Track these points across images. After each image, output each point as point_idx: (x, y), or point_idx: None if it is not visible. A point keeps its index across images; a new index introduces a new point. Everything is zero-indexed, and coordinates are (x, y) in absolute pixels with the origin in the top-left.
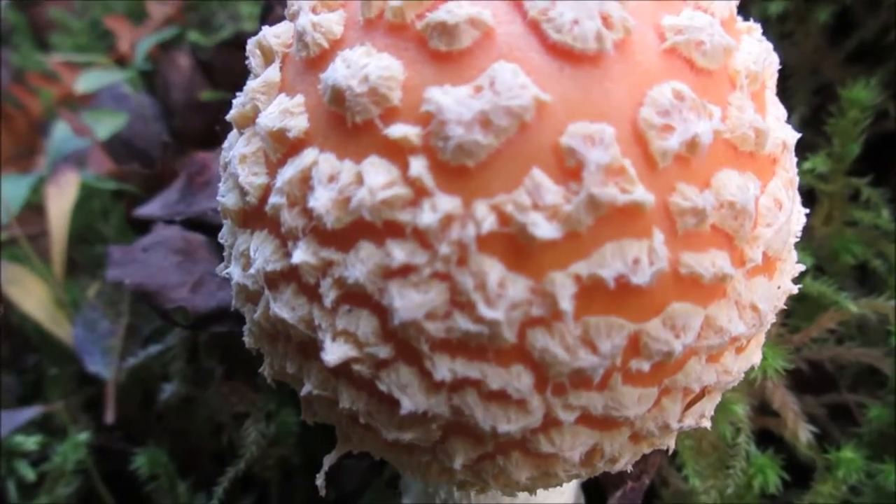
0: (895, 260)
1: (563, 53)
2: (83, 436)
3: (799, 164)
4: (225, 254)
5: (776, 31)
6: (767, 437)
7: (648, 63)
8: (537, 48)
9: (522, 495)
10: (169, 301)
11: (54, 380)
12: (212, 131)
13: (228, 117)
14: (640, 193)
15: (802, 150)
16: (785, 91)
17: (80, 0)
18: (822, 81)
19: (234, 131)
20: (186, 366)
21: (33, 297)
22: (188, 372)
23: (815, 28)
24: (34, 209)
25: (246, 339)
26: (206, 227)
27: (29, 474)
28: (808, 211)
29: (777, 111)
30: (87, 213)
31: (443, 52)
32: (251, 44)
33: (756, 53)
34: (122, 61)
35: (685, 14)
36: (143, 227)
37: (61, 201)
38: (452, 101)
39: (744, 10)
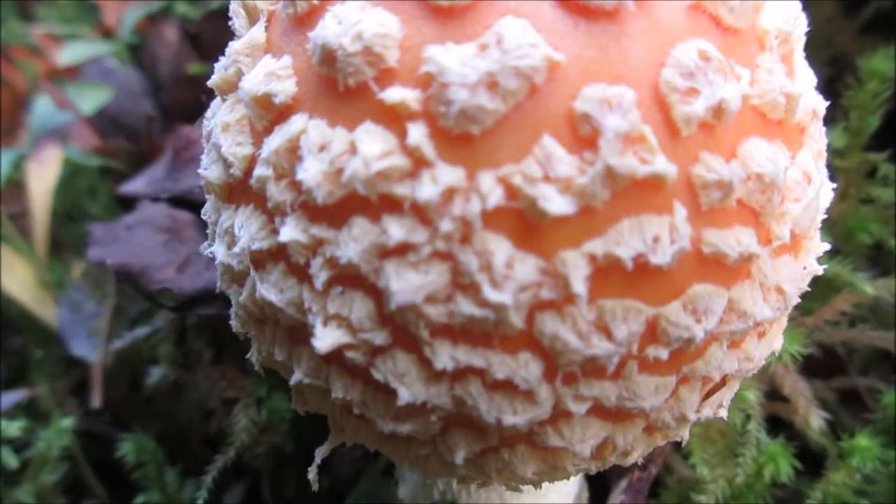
0: None
1: (578, 8)
2: (67, 421)
3: None
4: (209, 231)
5: None
6: (776, 423)
7: (671, 20)
8: (549, 2)
9: (526, 488)
10: (154, 282)
11: (39, 363)
12: (200, 105)
13: (210, 83)
14: (662, 164)
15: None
16: None
17: None
18: (836, 52)
19: (217, 99)
20: (175, 349)
21: (16, 278)
22: (176, 355)
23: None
24: (15, 187)
25: (232, 322)
26: (193, 204)
27: (12, 461)
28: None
29: (806, 76)
30: (73, 191)
31: (444, 6)
32: (235, 3)
33: (786, 12)
34: (108, 34)
35: None
36: (130, 204)
37: (43, 178)
38: (455, 60)
39: None
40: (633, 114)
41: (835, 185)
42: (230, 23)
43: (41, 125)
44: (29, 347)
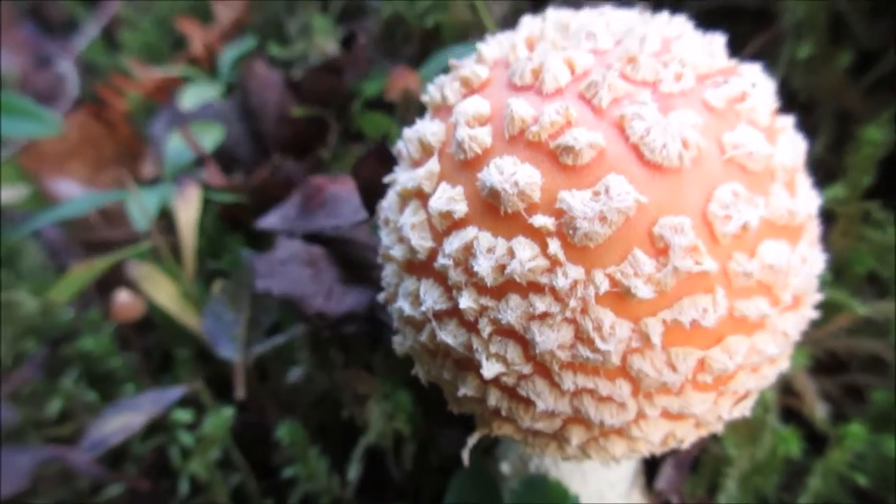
0: (895, 270)
1: (655, 167)
2: (229, 410)
3: (822, 190)
4: (387, 289)
5: (804, 68)
6: (790, 413)
7: (714, 171)
8: (636, 163)
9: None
10: (310, 308)
11: (183, 361)
12: (296, 138)
13: (397, 190)
14: (708, 264)
15: (826, 174)
16: (810, 118)
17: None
18: (843, 111)
19: (392, 194)
20: (311, 354)
21: (164, 292)
22: (313, 359)
23: (837, 68)
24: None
25: (397, 347)
26: (322, 240)
27: (189, 441)
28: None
29: (805, 187)
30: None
31: (570, 165)
32: (411, 134)
33: (790, 151)
34: (194, 62)
35: (739, 130)
36: (235, 227)
37: (188, 213)
38: (578, 202)
39: (774, 54)
40: (689, 234)
41: (837, 226)
42: (399, 145)
43: (174, 163)
44: (170, 347)
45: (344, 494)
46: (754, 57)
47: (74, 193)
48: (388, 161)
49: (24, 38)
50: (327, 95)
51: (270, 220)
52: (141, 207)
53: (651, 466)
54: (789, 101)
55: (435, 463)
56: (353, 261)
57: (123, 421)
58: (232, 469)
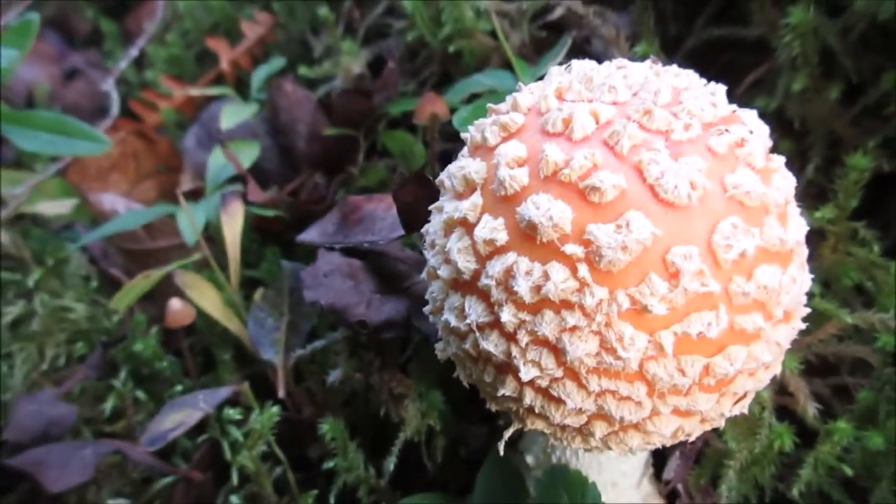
0: (880, 284)
1: (668, 204)
2: (276, 408)
3: (813, 211)
4: (433, 303)
5: (799, 98)
6: (784, 411)
7: (717, 207)
8: (652, 201)
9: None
10: (353, 316)
11: (223, 363)
12: (326, 155)
13: (444, 219)
14: (712, 285)
15: (817, 194)
16: (803, 143)
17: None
18: (835, 137)
19: (438, 221)
20: (349, 357)
21: (209, 300)
22: (351, 363)
23: (828, 99)
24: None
25: (438, 353)
26: (360, 253)
27: (239, 436)
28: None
29: (795, 218)
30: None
31: (596, 202)
32: (455, 170)
33: (782, 188)
34: (221, 79)
35: (739, 172)
36: (266, 238)
37: (233, 228)
38: (604, 234)
39: (772, 83)
40: (696, 260)
41: (827, 243)
42: (443, 178)
43: (216, 179)
44: (211, 349)
45: (379, 485)
46: (753, 85)
47: (117, 205)
48: (425, 186)
49: (50, 50)
50: (357, 116)
51: (310, 235)
52: (190, 222)
53: (659, 458)
54: (786, 127)
55: (462, 456)
56: (387, 272)
57: (181, 417)
58: (273, 462)
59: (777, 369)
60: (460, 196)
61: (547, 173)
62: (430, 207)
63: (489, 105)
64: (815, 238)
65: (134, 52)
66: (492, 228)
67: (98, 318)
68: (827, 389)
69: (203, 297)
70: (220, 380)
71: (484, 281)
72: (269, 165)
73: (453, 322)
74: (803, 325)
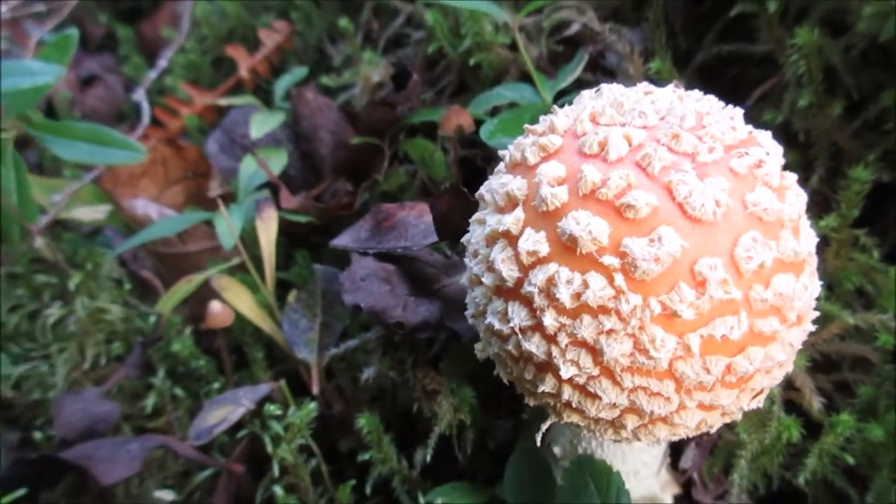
0: (880, 287)
1: (695, 220)
2: (313, 403)
3: (818, 220)
4: (475, 307)
5: (804, 113)
6: (791, 405)
7: (739, 222)
8: (681, 217)
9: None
10: (391, 318)
11: (256, 361)
12: (350, 162)
13: (486, 231)
14: (735, 293)
15: (823, 204)
16: (808, 154)
17: None
18: (837, 149)
19: (480, 232)
20: (383, 356)
21: (244, 302)
22: (385, 360)
23: (832, 114)
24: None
25: (478, 353)
26: (391, 258)
27: (280, 430)
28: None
29: (806, 230)
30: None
31: (631, 218)
32: (496, 186)
33: (795, 204)
34: (240, 85)
35: (757, 191)
36: (295, 244)
37: (268, 233)
38: (638, 247)
39: (779, 97)
40: (721, 271)
41: (830, 249)
42: (483, 192)
43: (248, 185)
44: (245, 348)
45: (412, 475)
46: (761, 98)
47: (149, 210)
48: (461, 198)
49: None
50: (382, 125)
51: (343, 240)
52: (228, 228)
53: (675, 450)
54: (792, 139)
55: (491, 448)
56: (419, 276)
57: (224, 413)
58: (308, 455)
59: (790, 367)
60: (502, 210)
61: (585, 191)
62: (471, 220)
63: (526, 126)
64: (819, 245)
65: (163, 62)
66: (535, 241)
67: (132, 319)
68: (830, 385)
69: (238, 299)
70: (254, 377)
71: (527, 288)
72: (291, 171)
73: (497, 325)
74: (813, 328)
